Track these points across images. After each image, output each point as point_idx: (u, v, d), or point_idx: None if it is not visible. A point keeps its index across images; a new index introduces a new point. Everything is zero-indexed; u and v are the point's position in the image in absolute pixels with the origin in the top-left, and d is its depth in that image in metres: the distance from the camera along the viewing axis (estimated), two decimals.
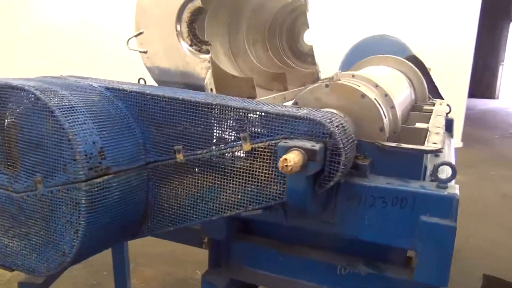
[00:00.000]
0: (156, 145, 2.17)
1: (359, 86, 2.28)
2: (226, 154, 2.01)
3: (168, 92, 2.17)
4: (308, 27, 4.24)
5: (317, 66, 4.27)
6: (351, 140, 1.89)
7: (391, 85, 2.83)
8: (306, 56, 4.45)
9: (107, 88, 2.25)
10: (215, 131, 2.05)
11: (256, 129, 1.95)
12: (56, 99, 1.95)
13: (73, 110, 1.95)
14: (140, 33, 2.50)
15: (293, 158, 1.64)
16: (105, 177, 1.96)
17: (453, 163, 1.97)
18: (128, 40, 2.51)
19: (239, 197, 2.03)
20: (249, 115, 1.96)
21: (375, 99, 2.25)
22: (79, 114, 1.96)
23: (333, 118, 1.89)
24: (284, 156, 1.64)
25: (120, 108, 2.19)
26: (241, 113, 1.98)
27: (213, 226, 2.35)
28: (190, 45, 2.45)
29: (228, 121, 2.01)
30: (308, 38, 4.37)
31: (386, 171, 2.13)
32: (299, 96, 2.33)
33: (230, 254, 2.51)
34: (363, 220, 2.05)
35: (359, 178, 2.06)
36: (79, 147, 1.87)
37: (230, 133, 2.00)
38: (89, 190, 1.88)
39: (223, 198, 2.06)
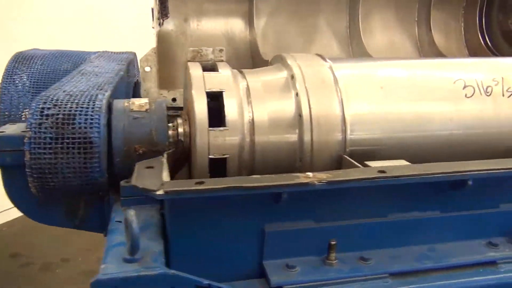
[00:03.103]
0: None
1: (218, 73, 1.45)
2: None
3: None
4: None
5: None
6: None
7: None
8: None
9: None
10: None
11: None
12: (20, 65, 2.35)
13: (20, 74, 2.31)
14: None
15: None
16: None
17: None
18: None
19: None
20: None
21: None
22: (23, 78, 2.29)
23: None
24: None
25: None
26: None
27: None
28: (158, 18, 2.19)
29: None
30: None
31: None
32: None
33: None
34: None
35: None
36: (1, 105, 2.22)
37: None
38: None
39: None
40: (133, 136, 1.43)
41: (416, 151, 1.52)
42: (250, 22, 2.68)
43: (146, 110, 1.48)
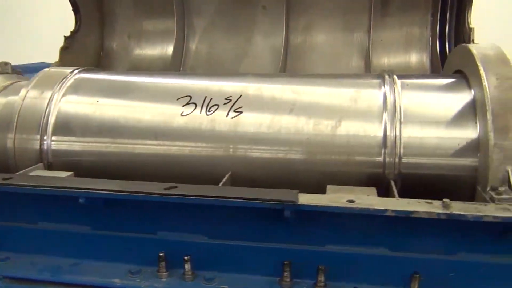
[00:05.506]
0: None
1: None
2: None
3: None
4: None
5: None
6: None
7: None
8: None
9: None
10: None
11: None
12: None
13: None
14: None
15: None
16: None
17: None
18: None
19: None
20: None
21: None
22: None
23: None
24: None
25: None
26: None
27: None
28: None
29: None
30: None
31: None
32: None
33: None
34: None
35: None
36: None
37: None
38: None
39: None
40: None
41: (121, 165, 1.49)
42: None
43: None
